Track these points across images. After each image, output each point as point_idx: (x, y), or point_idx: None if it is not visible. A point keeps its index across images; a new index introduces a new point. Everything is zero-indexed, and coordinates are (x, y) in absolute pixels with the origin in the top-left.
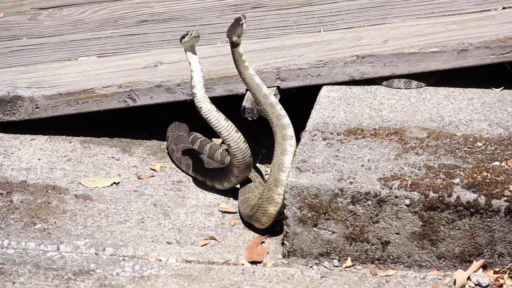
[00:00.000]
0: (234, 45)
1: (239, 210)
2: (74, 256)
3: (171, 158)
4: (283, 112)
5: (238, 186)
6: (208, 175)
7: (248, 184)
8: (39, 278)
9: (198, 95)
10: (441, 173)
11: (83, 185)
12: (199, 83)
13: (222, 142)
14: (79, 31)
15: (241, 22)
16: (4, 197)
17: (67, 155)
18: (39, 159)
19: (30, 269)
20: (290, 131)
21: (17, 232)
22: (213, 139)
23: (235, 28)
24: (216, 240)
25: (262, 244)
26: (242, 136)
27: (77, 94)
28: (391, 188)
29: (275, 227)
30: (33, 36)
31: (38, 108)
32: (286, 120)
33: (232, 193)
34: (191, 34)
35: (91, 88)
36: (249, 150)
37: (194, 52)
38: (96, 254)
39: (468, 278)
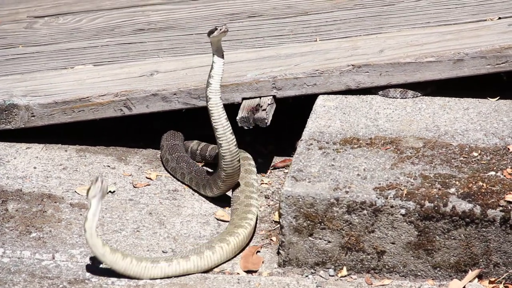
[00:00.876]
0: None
1: None
2: (70, 265)
3: (165, 167)
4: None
5: (230, 194)
6: (200, 183)
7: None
8: (34, 287)
9: (213, 87)
10: (436, 182)
11: (78, 194)
12: (218, 75)
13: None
14: (76, 40)
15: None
16: None
17: (62, 164)
18: (34, 168)
19: (25, 277)
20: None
21: (12, 240)
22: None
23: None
24: None
25: (258, 253)
26: (235, 140)
27: (73, 102)
28: (386, 198)
29: (271, 237)
30: (29, 44)
31: (34, 116)
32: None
33: (227, 201)
34: (220, 30)
35: (87, 97)
36: (239, 155)
37: (220, 47)
38: (92, 263)
39: None
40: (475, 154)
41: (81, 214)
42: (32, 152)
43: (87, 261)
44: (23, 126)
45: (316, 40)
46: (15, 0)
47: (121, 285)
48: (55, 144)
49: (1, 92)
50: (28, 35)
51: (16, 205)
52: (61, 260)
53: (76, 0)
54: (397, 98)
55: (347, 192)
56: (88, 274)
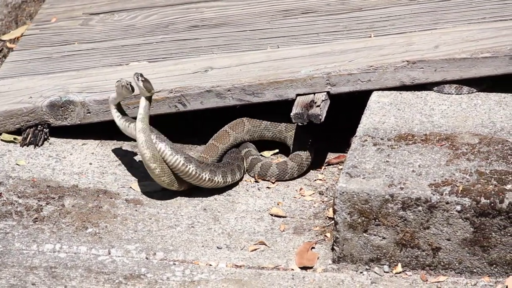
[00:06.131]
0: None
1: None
2: (125, 260)
3: None
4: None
5: None
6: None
7: None
8: (90, 282)
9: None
10: (492, 179)
11: (134, 190)
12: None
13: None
14: (130, 36)
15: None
16: (56, 201)
17: (118, 160)
18: (90, 164)
19: (82, 273)
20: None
21: (69, 236)
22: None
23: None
24: (265, 245)
25: (313, 249)
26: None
27: (128, 99)
28: (442, 194)
29: (326, 233)
30: (85, 41)
31: (89, 112)
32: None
33: (281, 197)
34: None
35: None
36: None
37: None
38: (147, 258)
39: None
40: None
41: (136, 210)
42: (88, 148)
43: (143, 256)
44: (79, 122)
45: (370, 36)
46: None
47: (176, 280)
48: (110, 140)
49: (57, 89)
50: (83, 32)
51: (73, 201)
52: (117, 255)
53: None
54: (452, 94)
55: (402, 188)
56: (143, 270)
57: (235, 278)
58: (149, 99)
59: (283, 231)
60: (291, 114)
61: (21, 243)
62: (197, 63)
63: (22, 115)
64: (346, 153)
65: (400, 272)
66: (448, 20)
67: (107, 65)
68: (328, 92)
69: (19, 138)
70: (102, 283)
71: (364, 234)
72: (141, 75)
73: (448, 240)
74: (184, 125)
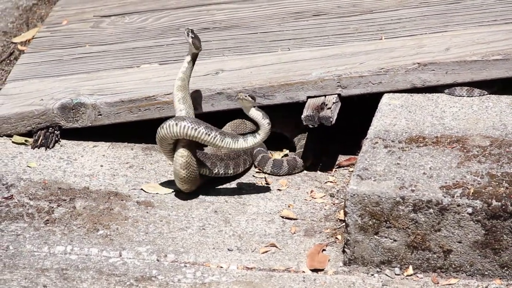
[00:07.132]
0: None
1: None
2: (136, 262)
3: None
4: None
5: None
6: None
7: None
8: (101, 284)
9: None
10: (504, 181)
11: (144, 192)
12: None
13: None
14: (141, 39)
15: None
16: (67, 203)
17: (129, 162)
18: (101, 166)
19: (93, 275)
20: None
21: (80, 238)
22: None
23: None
24: (276, 247)
25: (323, 251)
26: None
27: (139, 101)
28: (453, 197)
29: (336, 236)
30: (96, 43)
31: (100, 115)
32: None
33: (291, 199)
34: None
35: (153, 95)
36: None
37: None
38: (158, 260)
39: None
40: None
41: (147, 212)
42: (99, 150)
43: (154, 258)
44: (90, 124)
45: (381, 39)
46: None
47: (187, 282)
48: (121, 143)
49: (68, 91)
50: (94, 34)
51: (84, 203)
52: (128, 257)
53: (141, 0)
54: (463, 96)
55: (413, 190)
56: (154, 272)
57: (246, 280)
58: (194, 56)
59: (294, 233)
60: (302, 116)
61: (32, 245)
62: (208, 65)
63: (33, 117)
64: (357, 155)
65: (411, 275)
66: (458, 22)
67: (118, 68)
68: (339, 95)
69: (30, 140)
70: (113, 285)
71: (375, 236)
72: (192, 31)
73: (459, 242)
74: None
